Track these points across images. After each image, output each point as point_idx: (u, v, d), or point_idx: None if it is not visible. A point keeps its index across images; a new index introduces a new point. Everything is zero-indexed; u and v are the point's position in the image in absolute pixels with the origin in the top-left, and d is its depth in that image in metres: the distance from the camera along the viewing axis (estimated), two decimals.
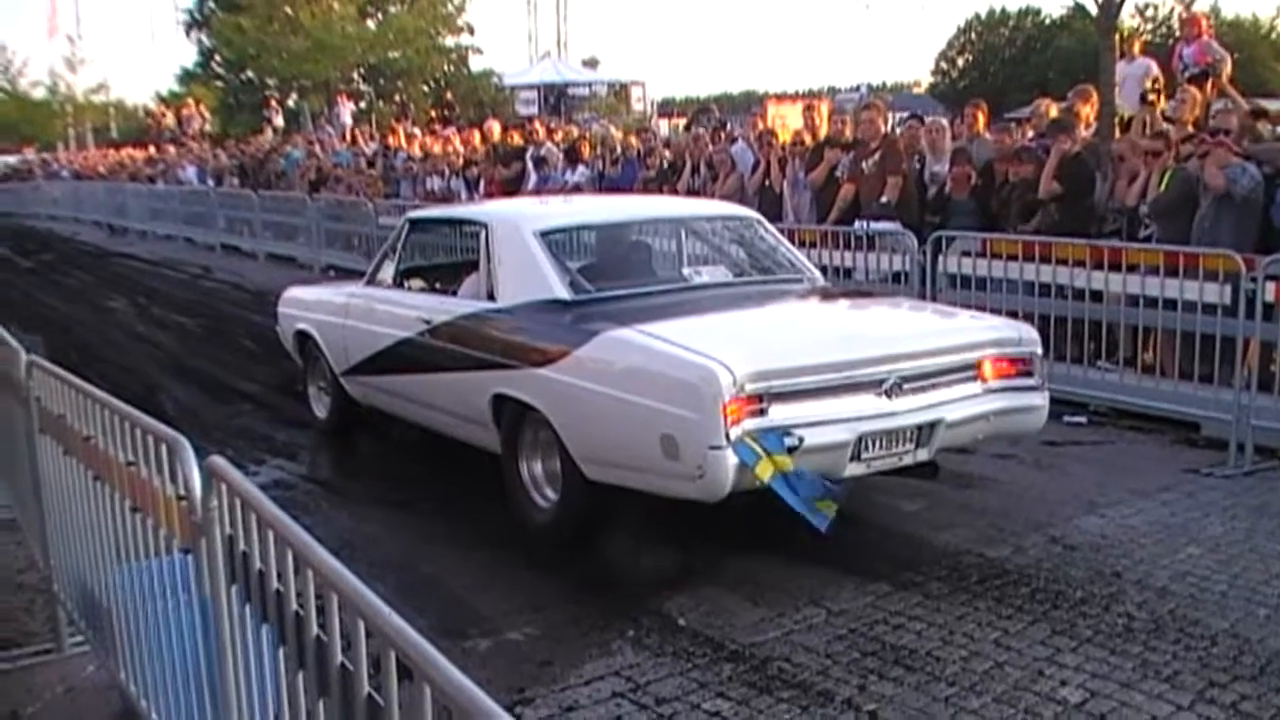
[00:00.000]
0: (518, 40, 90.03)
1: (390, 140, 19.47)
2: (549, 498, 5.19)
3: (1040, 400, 5.17)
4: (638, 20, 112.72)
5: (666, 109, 36.52)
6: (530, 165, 13.78)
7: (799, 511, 4.27)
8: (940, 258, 7.91)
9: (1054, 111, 9.28)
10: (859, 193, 9.21)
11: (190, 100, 33.70)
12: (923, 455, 4.78)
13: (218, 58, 40.39)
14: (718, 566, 4.75)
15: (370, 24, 36.42)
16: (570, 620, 4.32)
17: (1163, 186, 7.39)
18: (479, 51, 41.63)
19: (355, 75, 36.85)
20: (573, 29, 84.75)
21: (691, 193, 10.86)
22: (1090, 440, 6.67)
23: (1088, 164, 8.20)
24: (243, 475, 2.41)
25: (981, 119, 9.89)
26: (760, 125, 13.30)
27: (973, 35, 51.21)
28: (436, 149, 17.05)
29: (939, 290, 7.80)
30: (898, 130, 10.41)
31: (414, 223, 6.81)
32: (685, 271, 6.02)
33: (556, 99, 35.91)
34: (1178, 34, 13.50)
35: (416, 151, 17.23)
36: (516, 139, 16.00)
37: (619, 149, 13.70)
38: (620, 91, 38.35)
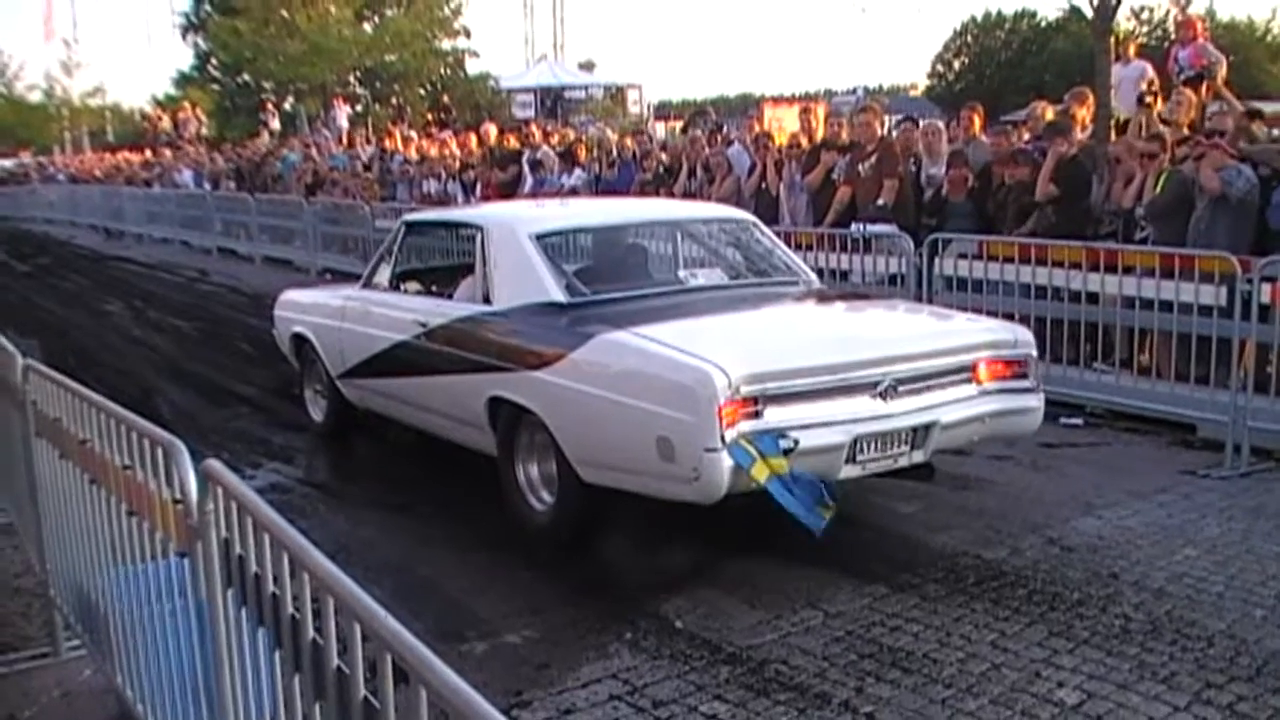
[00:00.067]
0: (514, 43, 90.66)
1: (387, 143, 19.45)
2: (545, 500, 5.19)
3: (1036, 402, 5.18)
4: (634, 23, 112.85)
5: (663, 112, 36.63)
6: (526, 168, 13.75)
7: (794, 514, 4.27)
8: (936, 260, 7.91)
9: (1050, 114, 9.29)
10: (855, 195, 9.20)
11: (186, 104, 33.70)
12: (918, 457, 4.79)
13: (214, 61, 40.33)
14: (715, 569, 4.75)
15: (367, 27, 36.37)
16: (568, 623, 4.32)
17: (1158, 189, 7.41)
18: (475, 55, 41.62)
19: (352, 78, 36.85)
20: (569, 32, 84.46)
21: (688, 195, 10.86)
22: (1087, 442, 6.67)
23: (1084, 166, 8.21)
24: (239, 478, 2.41)
25: (978, 121, 9.91)
26: (757, 128, 13.34)
27: (969, 38, 51.18)
28: (433, 152, 17.08)
29: (935, 293, 7.81)
30: (894, 133, 10.41)
31: (410, 226, 6.81)
32: (681, 274, 6.01)
33: (553, 102, 35.99)
34: (1173, 36, 13.50)
35: (413, 155, 17.23)
36: (513, 142, 16.02)
37: (615, 152, 13.73)
38: (617, 94, 38.43)
